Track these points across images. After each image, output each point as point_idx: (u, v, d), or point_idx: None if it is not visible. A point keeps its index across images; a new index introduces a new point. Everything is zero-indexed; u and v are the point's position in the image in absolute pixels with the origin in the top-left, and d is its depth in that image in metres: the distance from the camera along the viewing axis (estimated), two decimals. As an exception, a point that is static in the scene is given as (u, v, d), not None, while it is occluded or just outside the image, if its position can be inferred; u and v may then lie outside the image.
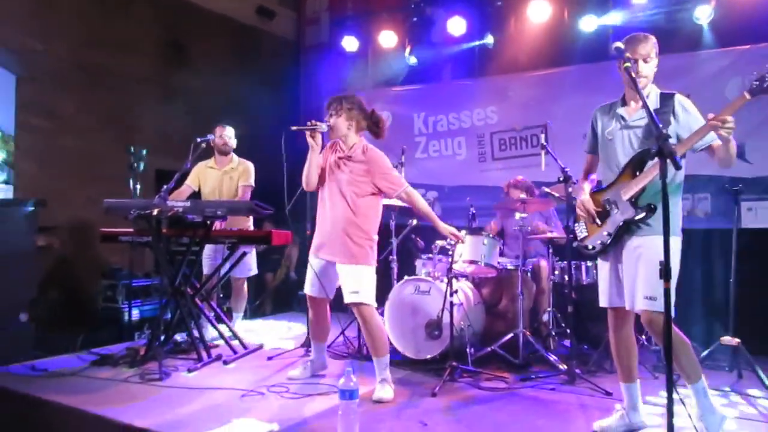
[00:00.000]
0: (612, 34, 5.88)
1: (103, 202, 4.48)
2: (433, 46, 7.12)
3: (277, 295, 7.40)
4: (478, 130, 6.89)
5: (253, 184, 5.23)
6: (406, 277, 4.71)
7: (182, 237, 4.52)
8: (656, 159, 2.32)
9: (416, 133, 7.27)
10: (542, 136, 5.30)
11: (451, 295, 4.12)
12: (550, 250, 4.94)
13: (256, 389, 3.76)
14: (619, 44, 2.79)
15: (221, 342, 4.78)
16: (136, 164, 5.36)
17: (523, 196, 5.10)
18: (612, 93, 3.18)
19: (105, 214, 4.47)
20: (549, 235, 4.95)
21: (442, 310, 4.24)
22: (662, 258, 2.28)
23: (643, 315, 2.86)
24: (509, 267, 4.90)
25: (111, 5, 6.51)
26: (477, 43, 6.83)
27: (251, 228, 5.12)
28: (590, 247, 3.14)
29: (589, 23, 6.07)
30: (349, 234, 3.68)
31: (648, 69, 2.94)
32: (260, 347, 4.95)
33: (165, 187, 4.46)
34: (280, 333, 5.84)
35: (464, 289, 4.80)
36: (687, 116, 2.92)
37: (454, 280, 4.19)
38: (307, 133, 3.69)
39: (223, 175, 5.18)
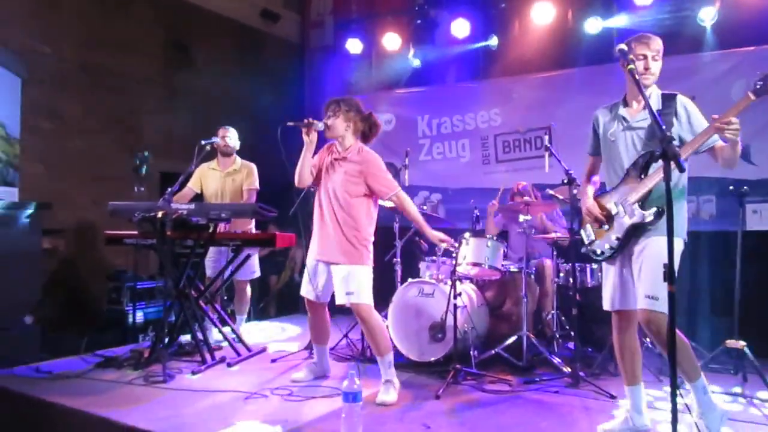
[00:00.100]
0: (616, 36, 5.88)
1: (108, 204, 4.49)
2: (436, 49, 7.13)
3: (281, 297, 7.40)
4: (482, 133, 6.88)
5: (258, 187, 5.23)
6: (409, 280, 4.70)
7: (187, 239, 4.53)
8: (660, 161, 2.31)
9: (420, 135, 7.27)
10: (546, 138, 5.29)
11: (455, 297, 4.12)
12: (554, 252, 4.93)
13: (260, 391, 3.76)
14: (623, 46, 2.79)
15: (226, 344, 4.80)
16: (140, 167, 5.37)
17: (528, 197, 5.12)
18: (616, 95, 3.16)
19: (110, 216, 4.48)
20: (553, 235, 4.94)
21: (446, 313, 4.23)
22: (665, 258, 2.26)
23: (642, 314, 2.85)
24: (513, 269, 4.89)
25: (116, 7, 6.54)
26: (481, 44, 6.83)
27: (253, 230, 5.13)
28: (599, 252, 3.10)
29: (593, 25, 6.07)
30: (345, 234, 3.71)
31: (657, 67, 2.94)
32: (264, 350, 4.96)
33: (169, 189, 4.47)
34: (272, 334, 5.85)
35: (468, 291, 4.80)
36: (690, 117, 2.92)
37: (457, 283, 4.18)
38: (303, 130, 3.72)
39: (225, 177, 5.18)
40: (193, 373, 4.15)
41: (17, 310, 4.63)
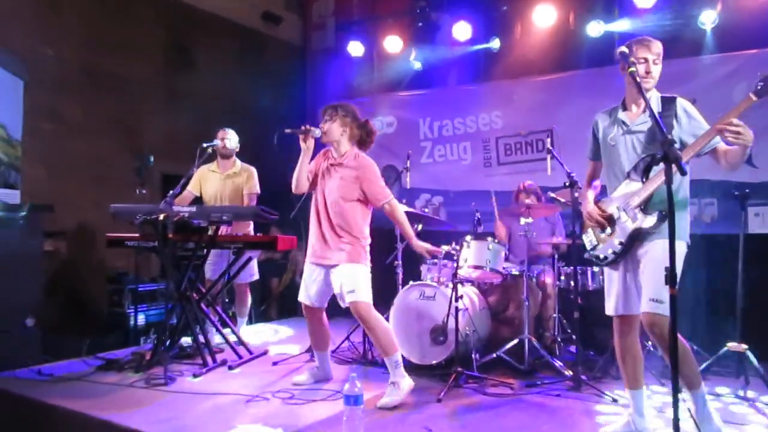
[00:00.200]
0: (618, 39, 5.88)
1: (110, 207, 4.50)
2: (438, 51, 7.13)
3: (283, 300, 7.40)
4: (483, 135, 6.89)
5: (259, 191, 5.23)
6: (411, 283, 4.70)
7: (188, 242, 4.53)
8: (662, 164, 2.30)
9: (422, 137, 7.27)
10: (548, 140, 5.29)
11: (456, 300, 4.11)
12: (556, 256, 4.93)
13: (261, 394, 3.76)
14: (624, 48, 2.79)
15: (226, 345, 4.80)
16: (142, 169, 5.38)
17: (533, 201, 5.11)
18: (618, 98, 3.15)
19: (111, 218, 4.48)
20: (554, 240, 4.93)
21: (447, 316, 4.23)
22: (668, 262, 2.25)
23: (645, 317, 2.83)
24: (514, 272, 4.88)
25: (118, 10, 6.55)
26: (482, 46, 6.83)
27: (251, 232, 5.13)
28: (602, 257, 3.08)
29: (595, 29, 6.06)
30: (340, 236, 3.74)
31: (657, 71, 2.93)
32: (265, 352, 4.96)
33: (171, 192, 4.48)
34: (273, 337, 5.85)
35: (469, 294, 4.80)
36: (690, 120, 2.91)
37: (459, 286, 4.18)
38: (300, 136, 3.74)
39: (225, 179, 5.18)
40: (195, 375, 4.15)
41: (18, 313, 4.62)
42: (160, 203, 4.32)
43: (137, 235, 4.62)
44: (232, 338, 4.87)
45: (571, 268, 4.61)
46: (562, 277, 4.92)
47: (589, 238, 3.18)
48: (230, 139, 5.19)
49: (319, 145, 3.86)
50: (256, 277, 5.36)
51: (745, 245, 4.31)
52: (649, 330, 2.83)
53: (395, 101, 7.50)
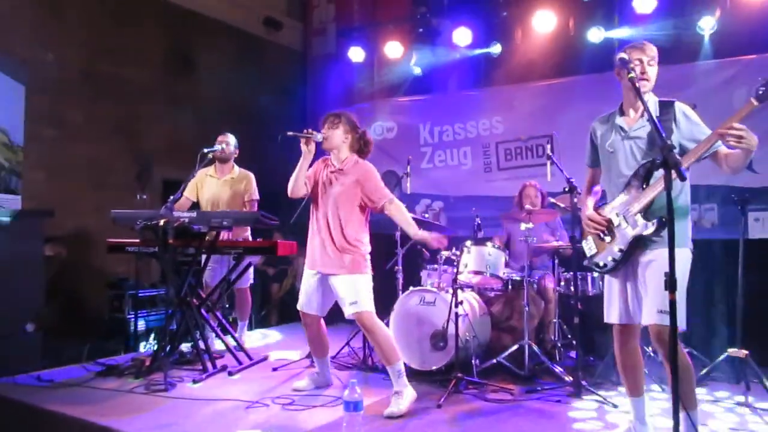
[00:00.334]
0: (617, 45, 5.88)
1: (111, 212, 4.50)
2: (438, 57, 7.14)
3: (283, 305, 7.39)
4: (483, 140, 6.89)
5: (258, 197, 5.24)
6: (411, 288, 4.70)
7: (188, 247, 4.53)
8: (662, 170, 2.29)
9: (422, 143, 7.28)
10: (548, 146, 5.28)
11: (456, 305, 4.11)
12: (556, 262, 4.92)
13: (261, 400, 3.75)
14: (624, 55, 2.79)
15: (226, 351, 4.79)
16: (143, 175, 5.39)
17: (537, 199, 5.12)
18: (618, 104, 3.15)
19: (112, 224, 4.49)
20: (555, 244, 4.93)
21: (447, 321, 4.23)
22: (674, 271, 2.24)
23: (653, 328, 2.78)
24: (515, 278, 4.88)
25: (119, 15, 6.57)
26: (483, 50, 6.85)
27: (249, 237, 5.13)
28: (602, 264, 3.04)
29: (596, 35, 6.07)
30: (342, 245, 3.74)
31: (652, 72, 2.92)
32: (265, 358, 4.95)
33: (171, 197, 4.48)
34: (273, 342, 5.85)
35: (469, 299, 4.79)
36: (689, 124, 2.88)
37: (459, 291, 4.18)
38: (302, 140, 3.74)
39: (222, 184, 5.18)
40: (195, 381, 4.15)
41: (18, 318, 4.62)
42: (161, 208, 4.33)
43: (138, 240, 4.62)
44: (232, 344, 4.86)
45: (571, 273, 4.60)
46: (562, 283, 4.91)
47: (588, 245, 3.14)
48: (229, 143, 5.20)
49: (318, 153, 3.87)
50: (251, 281, 5.36)
51: (745, 250, 4.30)
52: (657, 341, 2.78)
53: (396, 106, 7.52)
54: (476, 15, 6.81)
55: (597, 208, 3.14)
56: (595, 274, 4.73)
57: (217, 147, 5.02)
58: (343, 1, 8.39)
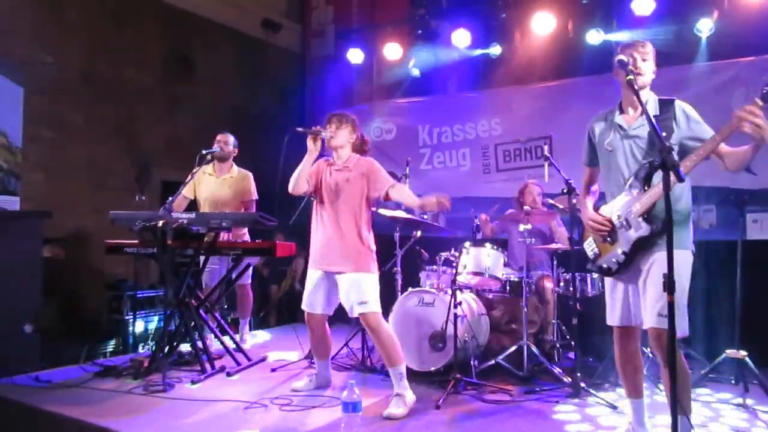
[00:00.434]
0: (616, 47, 5.88)
1: (109, 213, 4.50)
2: (437, 58, 7.15)
3: (282, 306, 7.39)
4: (482, 142, 6.90)
5: (256, 197, 5.24)
6: (410, 289, 4.69)
7: (187, 248, 4.53)
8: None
9: (421, 144, 7.28)
10: (546, 147, 5.29)
11: (455, 306, 4.11)
12: (554, 262, 4.92)
13: (260, 401, 3.75)
14: (623, 57, 2.79)
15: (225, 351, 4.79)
16: (142, 176, 5.39)
17: (539, 198, 5.12)
18: (617, 102, 3.15)
19: (111, 225, 4.49)
20: (554, 246, 4.93)
21: (446, 322, 4.22)
22: (678, 274, 2.22)
23: (653, 332, 2.76)
24: (513, 279, 4.88)
25: (119, 17, 6.58)
26: (481, 52, 6.86)
27: (247, 238, 5.13)
28: (605, 267, 3.01)
29: (595, 37, 6.07)
30: (349, 242, 3.74)
31: (647, 67, 2.90)
32: (264, 359, 4.95)
33: (170, 198, 4.48)
34: (272, 343, 5.82)
35: (468, 300, 4.79)
36: (690, 122, 2.85)
37: (458, 292, 4.18)
38: (310, 136, 3.74)
39: (221, 183, 5.17)
40: (193, 382, 4.14)
41: (17, 319, 4.62)
42: (160, 210, 4.33)
43: (136, 241, 4.62)
44: (231, 345, 4.86)
45: (570, 274, 4.60)
46: (561, 284, 4.91)
47: (590, 247, 3.11)
48: (228, 142, 5.20)
49: (318, 154, 3.87)
50: (248, 279, 5.36)
51: (743, 251, 4.31)
52: (656, 343, 2.77)
53: (394, 108, 7.52)
54: (475, 17, 6.82)
55: (597, 208, 3.12)
56: (594, 275, 4.73)
57: (216, 148, 5.02)
58: (341, 2, 8.41)
